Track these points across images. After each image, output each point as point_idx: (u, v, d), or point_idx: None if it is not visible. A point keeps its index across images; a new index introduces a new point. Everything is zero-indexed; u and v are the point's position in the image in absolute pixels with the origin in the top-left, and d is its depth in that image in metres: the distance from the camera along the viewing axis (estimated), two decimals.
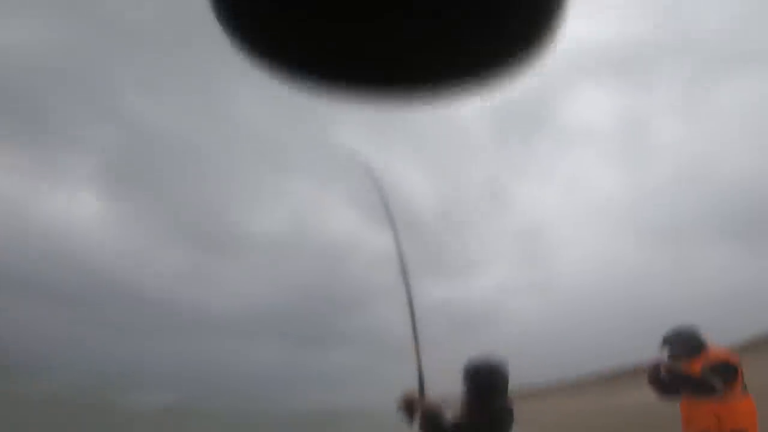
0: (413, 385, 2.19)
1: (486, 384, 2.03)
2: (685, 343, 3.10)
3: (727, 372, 2.90)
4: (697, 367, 2.97)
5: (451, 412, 1.99)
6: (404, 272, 2.52)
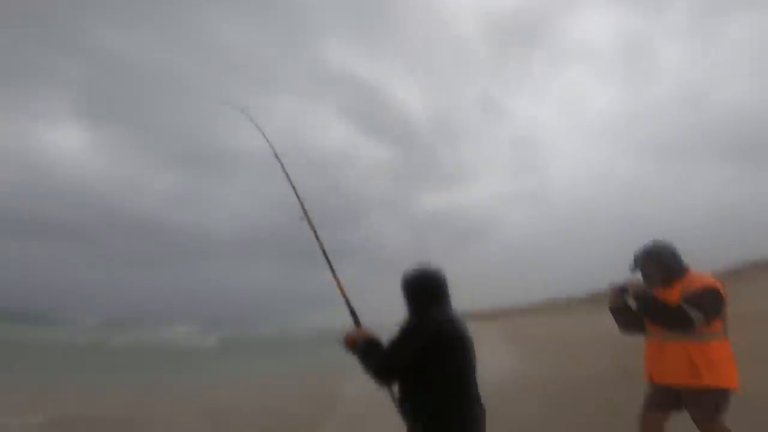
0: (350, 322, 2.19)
1: (419, 291, 1.98)
2: (661, 263, 2.49)
3: (711, 303, 2.32)
4: (674, 293, 2.42)
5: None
6: (303, 207, 2.46)
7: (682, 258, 2.52)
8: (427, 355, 1.80)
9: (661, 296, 2.46)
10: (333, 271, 2.32)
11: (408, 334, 1.86)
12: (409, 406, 1.88)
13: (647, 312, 2.46)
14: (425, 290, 1.98)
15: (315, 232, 2.41)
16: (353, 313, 2.23)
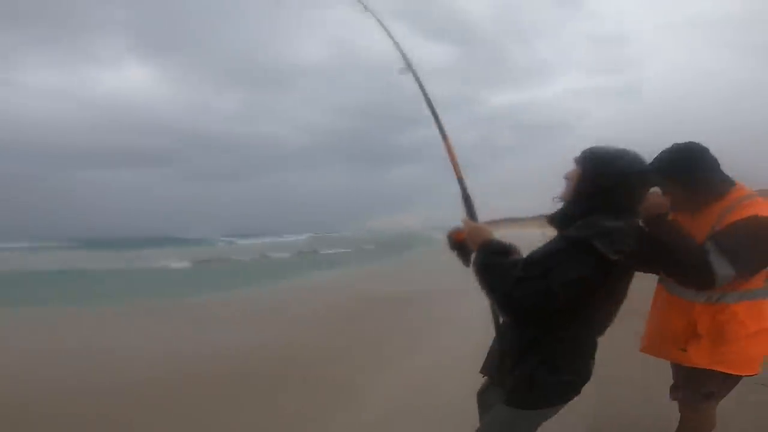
0: (460, 211, 1.44)
1: (619, 191, 1.19)
2: (693, 176, 1.51)
3: (752, 249, 1.40)
4: (705, 223, 1.49)
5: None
6: (412, 70, 1.76)
7: (724, 171, 1.56)
8: (599, 287, 1.15)
9: (685, 226, 1.50)
10: (442, 129, 1.58)
11: (579, 249, 1.12)
12: (530, 341, 1.24)
13: (651, 247, 1.32)
14: (624, 192, 1.21)
15: (420, 82, 1.73)
16: (467, 199, 1.44)
